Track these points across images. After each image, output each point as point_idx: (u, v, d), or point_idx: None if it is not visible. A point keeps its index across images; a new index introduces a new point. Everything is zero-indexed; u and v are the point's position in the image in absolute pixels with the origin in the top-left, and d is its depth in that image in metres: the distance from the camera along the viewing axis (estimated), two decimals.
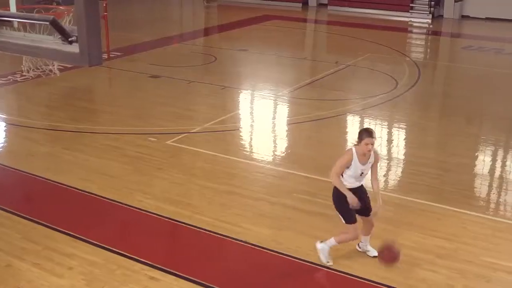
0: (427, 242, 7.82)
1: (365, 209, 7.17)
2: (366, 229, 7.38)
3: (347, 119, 13.11)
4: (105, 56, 17.04)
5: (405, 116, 13.38)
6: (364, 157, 6.91)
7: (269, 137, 12.10)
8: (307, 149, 11.24)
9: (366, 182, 7.26)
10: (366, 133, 6.82)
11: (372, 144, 6.80)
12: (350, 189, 6.98)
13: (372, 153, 6.91)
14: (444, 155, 11.02)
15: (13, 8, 5.20)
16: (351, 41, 22.01)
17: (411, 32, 26.35)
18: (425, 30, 26.25)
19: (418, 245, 7.75)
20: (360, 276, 7.07)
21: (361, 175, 7.02)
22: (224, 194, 9.23)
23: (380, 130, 12.38)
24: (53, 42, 4.83)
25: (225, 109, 13.68)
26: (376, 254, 7.22)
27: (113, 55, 18.05)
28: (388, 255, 6.85)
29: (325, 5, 29.69)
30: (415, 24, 26.95)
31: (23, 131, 11.93)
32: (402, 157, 11.16)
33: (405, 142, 11.93)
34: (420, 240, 7.87)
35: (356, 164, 6.90)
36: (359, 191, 7.09)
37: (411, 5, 27.83)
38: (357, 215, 7.14)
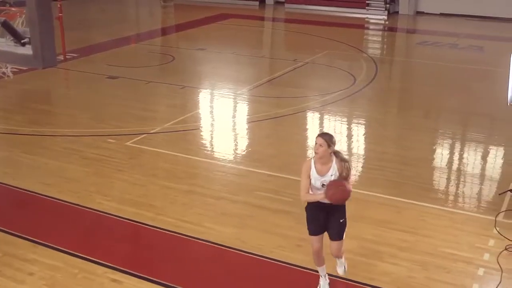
0: (387, 235, 7.93)
1: (330, 232, 6.42)
2: (332, 251, 6.57)
3: (306, 116, 13.19)
4: (61, 57, 16.81)
5: (364, 112, 13.52)
6: (322, 167, 6.10)
7: (230, 136, 12.10)
8: (268, 147, 11.27)
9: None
10: (318, 134, 6.21)
11: (321, 144, 6.00)
12: (318, 205, 6.26)
13: (333, 163, 6.08)
14: (403, 149, 11.18)
15: None
16: (308, 38, 22.15)
17: (367, 28, 26.64)
18: (381, 27, 26.58)
19: (379, 238, 7.86)
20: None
21: (322, 187, 6.14)
22: (186, 194, 9.20)
23: (339, 126, 12.49)
24: (5, 44, 4.74)
25: (184, 108, 13.62)
26: (341, 271, 6.77)
27: (70, 57, 17.81)
28: (336, 190, 6.08)
29: (282, 3, 29.82)
30: (371, 21, 27.26)
31: None
32: (362, 152, 11.29)
33: (365, 137, 12.05)
34: (381, 234, 7.97)
35: (313, 174, 6.13)
36: (324, 211, 6.30)
37: (367, 2, 28.14)
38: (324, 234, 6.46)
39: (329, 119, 12.87)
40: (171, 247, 7.74)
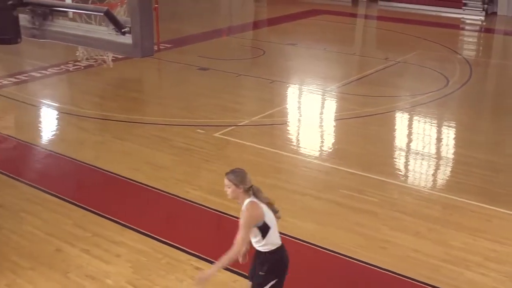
0: (476, 244, 7.68)
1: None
2: None
3: (395, 116, 12.95)
4: (155, 47, 17.22)
5: (455, 115, 13.15)
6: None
7: (316, 132, 12.06)
8: (354, 145, 11.15)
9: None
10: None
11: (226, 185, 5.35)
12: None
13: (242, 205, 5.35)
14: (495, 155, 10.78)
15: None
16: (401, 37, 21.72)
17: (463, 29, 25.82)
18: (477, 27, 25.72)
19: (467, 246, 7.62)
20: (405, 275, 6.98)
21: None
22: (270, 187, 9.20)
23: (428, 128, 12.21)
24: (106, 32, 4.87)
25: (273, 103, 13.67)
26: None
27: (163, 47, 18.22)
28: None
29: (376, 0, 29.36)
30: (467, 21, 26.41)
31: (75, 120, 12.17)
32: (450, 156, 10.97)
33: (454, 141, 11.72)
34: (469, 241, 7.73)
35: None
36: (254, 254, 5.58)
37: (464, 1, 27.28)
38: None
39: (418, 121, 12.58)
40: None
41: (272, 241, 5.37)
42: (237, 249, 5.24)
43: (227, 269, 7.01)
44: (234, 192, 5.32)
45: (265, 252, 5.40)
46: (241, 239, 5.22)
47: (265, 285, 5.45)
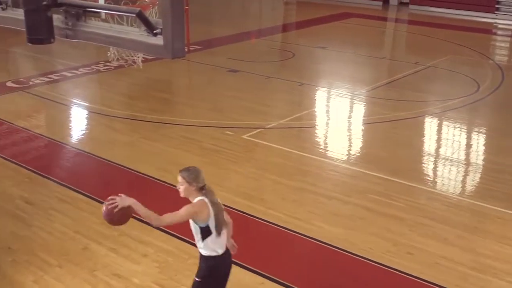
0: (505, 252, 7.58)
1: None
2: None
3: (425, 121, 12.84)
4: (185, 49, 17.30)
5: (485, 121, 13.00)
6: None
7: (344, 136, 12.01)
8: (383, 150, 11.08)
9: None
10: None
11: (179, 182, 5.25)
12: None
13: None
14: None
15: (101, 0, 5.34)
16: (432, 41, 21.54)
17: (495, 34, 25.52)
18: (510, 32, 25.38)
19: (496, 254, 7.53)
20: (432, 281, 6.92)
21: None
22: (297, 190, 9.23)
23: (458, 134, 12.08)
24: (138, 34, 4.91)
25: (301, 106, 13.67)
26: None
27: (193, 48, 18.32)
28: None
29: (407, 3, 29.17)
30: (500, 26, 26.10)
31: (104, 120, 12.29)
32: (480, 162, 10.84)
33: (485, 147, 11.57)
34: (498, 250, 7.63)
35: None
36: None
37: (496, 6, 26.96)
38: None
39: (447, 126, 12.46)
40: (279, 242, 7.80)
41: (211, 248, 5.28)
42: (157, 221, 5.21)
43: (253, 271, 7.03)
44: (186, 190, 5.23)
45: (202, 255, 5.37)
46: (169, 219, 5.19)
47: None
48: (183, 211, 5.13)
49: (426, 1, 28.24)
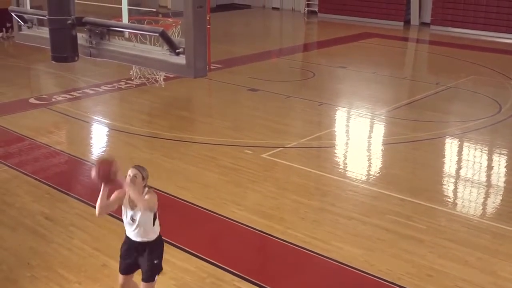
0: None
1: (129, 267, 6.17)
2: None
3: (445, 142, 12.77)
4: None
5: (507, 142, 12.87)
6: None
7: (364, 156, 11.97)
8: (403, 170, 11.02)
9: None
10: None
11: (134, 175, 5.75)
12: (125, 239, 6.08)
13: (141, 196, 5.79)
14: None
15: (125, 19, 5.41)
16: (453, 62, 21.47)
17: None
18: None
19: None
20: None
21: (132, 221, 5.92)
22: (317, 210, 9.20)
23: (479, 155, 11.99)
24: (160, 53, 4.97)
25: (321, 125, 13.66)
26: None
27: (214, 67, 18.43)
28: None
29: (428, 24, 29.12)
30: None
31: (125, 137, 12.38)
32: (501, 184, 10.74)
33: (506, 169, 11.46)
34: None
35: (125, 203, 5.92)
36: (132, 246, 6.03)
37: None
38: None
39: (468, 147, 12.37)
40: (298, 262, 7.77)
41: (157, 229, 6.04)
42: (143, 202, 5.76)
43: None
44: (140, 184, 5.80)
45: (153, 240, 5.99)
46: (152, 203, 5.84)
47: (159, 271, 6.11)
48: (155, 198, 5.89)
49: (448, 21, 28.17)
